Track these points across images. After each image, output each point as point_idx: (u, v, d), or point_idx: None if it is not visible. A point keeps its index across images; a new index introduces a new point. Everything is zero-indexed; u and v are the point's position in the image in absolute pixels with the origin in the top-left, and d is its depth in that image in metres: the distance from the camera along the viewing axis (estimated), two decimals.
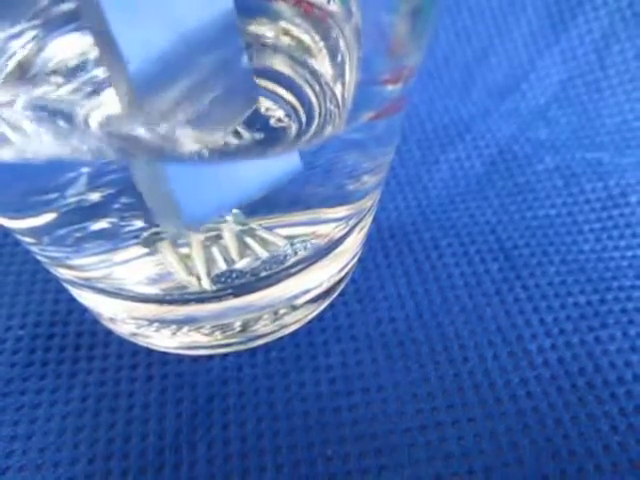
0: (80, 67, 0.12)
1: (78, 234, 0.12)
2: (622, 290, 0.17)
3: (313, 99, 0.13)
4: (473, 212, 0.19)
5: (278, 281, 0.13)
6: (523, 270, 0.17)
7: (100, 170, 0.11)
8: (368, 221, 0.15)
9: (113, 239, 0.12)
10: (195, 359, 0.15)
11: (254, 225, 0.13)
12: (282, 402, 0.15)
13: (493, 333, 0.16)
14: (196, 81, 0.10)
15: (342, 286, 0.17)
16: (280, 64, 0.13)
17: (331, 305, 0.17)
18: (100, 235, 0.12)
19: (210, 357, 0.15)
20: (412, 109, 0.23)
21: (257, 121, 0.12)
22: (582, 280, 0.17)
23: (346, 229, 0.14)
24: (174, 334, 0.15)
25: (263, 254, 0.13)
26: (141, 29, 0.09)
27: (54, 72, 0.12)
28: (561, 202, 0.19)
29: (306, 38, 0.13)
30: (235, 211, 0.12)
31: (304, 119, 0.12)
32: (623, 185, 0.20)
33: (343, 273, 0.16)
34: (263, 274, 0.13)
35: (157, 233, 0.12)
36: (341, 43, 0.12)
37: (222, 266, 0.13)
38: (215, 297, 0.13)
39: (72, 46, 0.12)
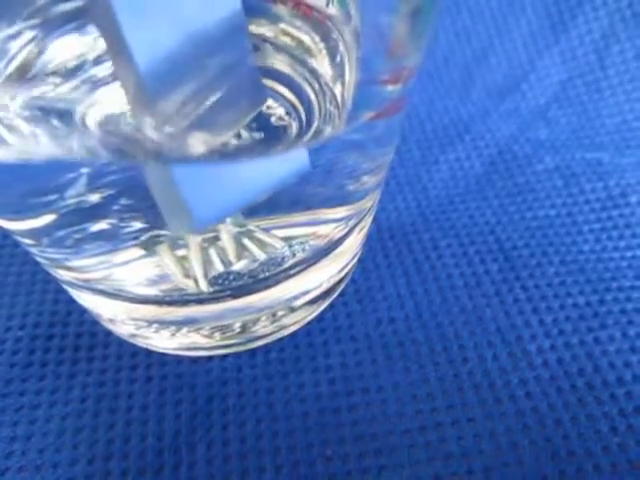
0: (79, 67, 0.12)
1: (77, 235, 0.12)
2: (621, 291, 0.17)
3: (313, 98, 0.13)
4: (473, 212, 0.19)
5: (277, 282, 0.13)
6: (522, 271, 0.17)
7: (100, 171, 0.11)
8: (368, 221, 0.15)
9: (113, 240, 0.12)
10: (194, 360, 0.15)
11: (252, 227, 0.12)
12: (281, 403, 0.15)
13: (492, 334, 0.16)
14: (204, 82, 0.10)
15: (342, 287, 0.17)
16: (279, 62, 0.13)
17: (331, 305, 0.17)
18: (100, 236, 0.12)
19: (209, 358, 0.15)
20: (412, 109, 0.23)
21: (257, 120, 0.12)
22: (581, 281, 0.17)
23: (346, 229, 0.14)
24: (173, 335, 0.14)
25: (261, 256, 0.13)
26: (150, 30, 0.09)
27: (53, 73, 0.12)
28: (561, 202, 0.19)
29: (306, 39, 0.13)
30: None
31: (304, 117, 0.12)
32: (623, 185, 0.20)
33: (343, 274, 0.16)
34: (261, 276, 0.13)
35: (156, 236, 0.12)
36: (340, 44, 0.12)
37: (219, 268, 0.13)
38: (213, 299, 0.13)
39: (71, 47, 0.12)
